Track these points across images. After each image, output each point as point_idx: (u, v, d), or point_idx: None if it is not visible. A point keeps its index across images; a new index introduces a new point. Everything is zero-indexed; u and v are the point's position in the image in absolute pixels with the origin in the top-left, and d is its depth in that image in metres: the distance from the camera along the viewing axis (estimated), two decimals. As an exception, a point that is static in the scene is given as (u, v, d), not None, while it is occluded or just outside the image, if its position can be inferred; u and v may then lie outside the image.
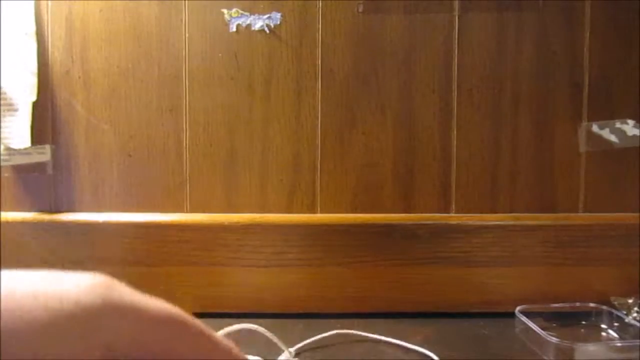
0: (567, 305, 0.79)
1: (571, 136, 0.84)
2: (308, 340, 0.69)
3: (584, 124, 0.83)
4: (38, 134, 0.84)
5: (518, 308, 0.76)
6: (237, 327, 0.64)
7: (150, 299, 0.20)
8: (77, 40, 0.84)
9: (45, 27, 0.84)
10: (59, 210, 0.85)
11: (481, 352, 0.69)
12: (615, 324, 0.76)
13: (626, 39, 0.82)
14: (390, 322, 0.76)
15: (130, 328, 0.20)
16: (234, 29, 0.83)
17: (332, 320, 0.75)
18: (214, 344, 0.23)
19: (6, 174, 0.85)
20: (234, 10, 0.83)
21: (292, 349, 0.65)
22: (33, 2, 0.83)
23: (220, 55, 0.83)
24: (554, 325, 0.76)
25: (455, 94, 0.83)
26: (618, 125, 0.83)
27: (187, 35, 0.83)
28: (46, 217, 0.83)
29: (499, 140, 0.84)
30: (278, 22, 0.83)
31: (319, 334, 0.69)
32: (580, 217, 0.84)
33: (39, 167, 0.85)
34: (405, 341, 0.68)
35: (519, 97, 0.84)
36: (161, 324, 0.20)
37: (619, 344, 0.67)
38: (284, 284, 0.81)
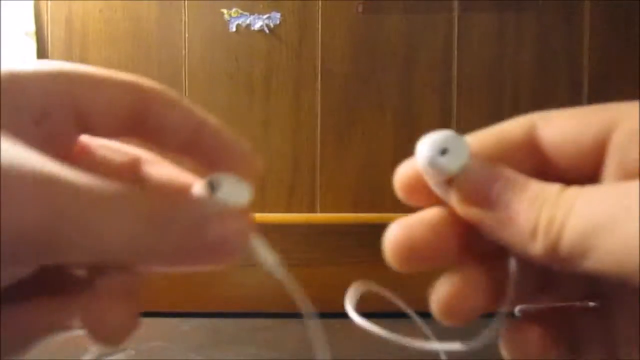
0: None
1: (571, 136, 0.84)
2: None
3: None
4: (38, 134, 0.84)
5: (517, 308, 0.76)
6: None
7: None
8: (77, 40, 0.84)
9: (45, 27, 0.84)
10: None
11: (482, 351, 0.69)
12: None
13: (626, 39, 0.82)
14: (391, 322, 0.75)
15: (68, 89, 0.18)
16: (234, 29, 0.83)
17: (332, 320, 0.75)
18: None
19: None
20: (233, 10, 0.83)
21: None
22: (33, 2, 0.83)
23: (220, 55, 0.83)
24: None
25: (455, 94, 0.83)
26: (618, 125, 0.83)
27: (187, 35, 0.83)
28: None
29: (499, 140, 0.84)
30: (278, 22, 0.83)
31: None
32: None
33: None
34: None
35: (519, 97, 0.84)
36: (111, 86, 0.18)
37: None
38: (283, 284, 0.81)
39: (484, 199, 0.18)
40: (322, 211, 0.84)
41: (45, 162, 0.16)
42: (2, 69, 0.18)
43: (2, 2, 0.82)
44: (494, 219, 0.18)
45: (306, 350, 0.68)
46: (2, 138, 0.16)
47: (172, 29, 0.83)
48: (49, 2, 0.83)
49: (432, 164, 0.19)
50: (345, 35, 0.83)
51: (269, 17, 0.83)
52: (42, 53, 0.83)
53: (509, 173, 0.18)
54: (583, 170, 0.19)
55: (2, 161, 0.15)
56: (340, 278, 0.80)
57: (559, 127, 0.19)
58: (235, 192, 0.19)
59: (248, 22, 0.83)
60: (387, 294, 0.19)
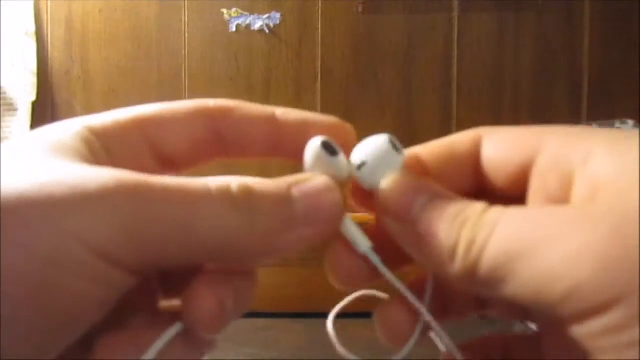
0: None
1: (571, 136, 0.84)
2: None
3: (584, 123, 0.83)
4: (38, 134, 0.84)
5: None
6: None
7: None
8: (77, 40, 0.84)
9: (45, 27, 0.84)
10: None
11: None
12: None
13: (626, 39, 0.82)
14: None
15: (143, 139, 0.19)
16: (234, 29, 0.83)
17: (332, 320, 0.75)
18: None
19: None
20: (233, 10, 0.83)
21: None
22: (33, 2, 0.83)
23: (220, 55, 0.83)
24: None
25: (455, 94, 0.83)
26: (618, 125, 0.83)
27: (187, 35, 0.83)
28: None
29: (499, 140, 0.84)
30: (277, 22, 0.83)
31: (319, 334, 0.69)
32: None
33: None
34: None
35: (518, 97, 0.84)
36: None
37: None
38: (284, 284, 0.81)
39: (405, 213, 0.17)
40: (322, 211, 0.84)
41: (131, 173, 0.16)
42: (81, 126, 0.19)
43: (2, 2, 0.82)
44: (413, 234, 0.17)
45: (306, 350, 0.68)
46: (89, 165, 0.16)
47: (172, 29, 0.83)
48: (49, 2, 0.83)
49: (356, 175, 0.18)
50: (345, 35, 0.83)
51: (269, 17, 0.83)
52: (42, 53, 0.83)
53: (434, 188, 0.17)
54: (513, 191, 0.18)
55: (87, 176, 0.15)
56: (340, 278, 0.80)
57: (495, 145, 0.19)
58: (336, 164, 0.19)
59: (248, 22, 0.83)
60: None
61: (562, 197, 0.17)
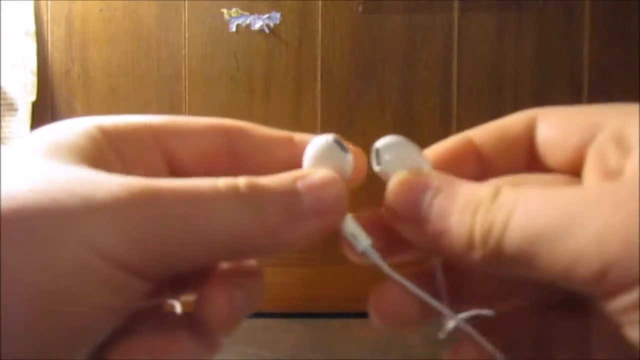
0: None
1: (571, 136, 0.84)
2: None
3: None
4: (38, 134, 0.84)
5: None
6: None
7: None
8: (77, 40, 0.84)
9: (45, 27, 0.84)
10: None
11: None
12: None
13: (626, 39, 0.82)
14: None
15: (161, 147, 0.19)
16: (234, 29, 0.83)
17: (332, 320, 0.75)
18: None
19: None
20: (233, 10, 0.83)
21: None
22: (33, 2, 0.83)
23: (220, 55, 0.83)
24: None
25: (455, 93, 0.83)
26: (618, 125, 0.83)
27: (187, 35, 0.83)
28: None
29: (499, 140, 0.84)
30: (278, 22, 0.83)
31: (319, 334, 0.69)
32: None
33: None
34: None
35: (518, 97, 0.84)
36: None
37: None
38: (284, 284, 0.81)
39: (414, 215, 0.17)
40: (322, 211, 0.84)
41: (139, 179, 0.16)
42: (92, 125, 0.19)
43: (2, 2, 0.82)
44: (427, 233, 0.17)
45: (306, 350, 0.68)
46: (95, 171, 0.16)
47: (172, 29, 0.83)
48: (49, 2, 0.83)
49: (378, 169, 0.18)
50: (345, 35, 0.83)
51: (269, 17, 0.83)
52: (42, 53, 0.83)
53: (436, 182, 0.17)
54: (567, 171, 0.18)
55: (99, 183, 0.15)
56: (340, 278, 0.80)
57: (552, 125, 0.19)
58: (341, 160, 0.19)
59: (248, 22, 0.83)
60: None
61: (619, 173, 0.17)
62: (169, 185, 0.16)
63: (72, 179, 0.15)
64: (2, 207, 0.14)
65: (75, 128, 0.18)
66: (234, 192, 0.17)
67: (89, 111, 0.84)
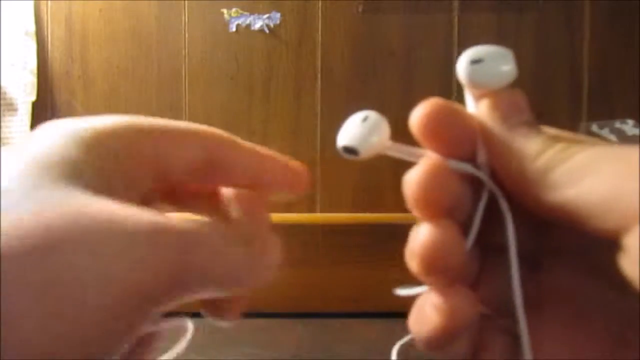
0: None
1: (571, 136, 0.84)
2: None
3: (584, 123, 0.83)
4: (38, 134, 0.84)
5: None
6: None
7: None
8: (77, 40, 0.84)
9: (45, 27, 0.84)
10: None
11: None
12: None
13: (626, 39, 0.82)
14: (391, 322, 0.76)
15: (151, 151, 0.20)
16: (234, 29, 0.83)
17: (332, 320, 0.75)
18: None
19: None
20: (233, 10, 0.83)
21: None
22: (33, 2, 0.83)
23: (220, 55, 0.83)
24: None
25: (455, 94, 0.83)
26: (618, 125, 0.83)
27: (187, 35, 0.83)
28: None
29: (499, 140, 0.84)
30: (278, 22, 0.83)
31: (319, 334, 0.69)
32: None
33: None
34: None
35: (518, 97, 0.84)
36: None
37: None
38: (284, 284, 0.81)
39: (509, 121, 0.18)
40: (322, 211, 0.84)
41: (149, 215, 0.17)
42: (85, 128, 0.19)
43: (2, 2, 0.82)
44: (508, 140, 0.18)
45: (306, 350, 0.68)
46: (106, 200, 0.17)
47: (172, 29, 0.83)
48: (49, 2, 0.83)
49: (470, 75, 0.18)
50: (345, 35, 0.83)
51: (269, 17, 0.83)
52: (42, 53, 0.83)
53: (527, 115, 0.18)
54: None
55: (113, 217, 0.16)
56: (340, 278, 0.80)
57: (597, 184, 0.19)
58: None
59: (248, 22, 0.83)
60: None
61: None
62: (191, 228, 0.17)
63: (100, 213, 0.16)
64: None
65: (75, 140, 0.18)
66: (227, 232, 0.19)
67: (89, 111, 0.84)
